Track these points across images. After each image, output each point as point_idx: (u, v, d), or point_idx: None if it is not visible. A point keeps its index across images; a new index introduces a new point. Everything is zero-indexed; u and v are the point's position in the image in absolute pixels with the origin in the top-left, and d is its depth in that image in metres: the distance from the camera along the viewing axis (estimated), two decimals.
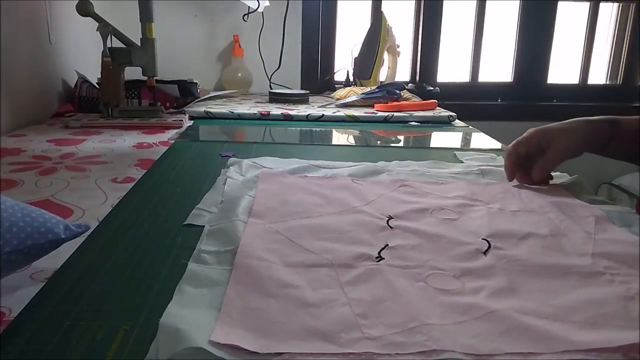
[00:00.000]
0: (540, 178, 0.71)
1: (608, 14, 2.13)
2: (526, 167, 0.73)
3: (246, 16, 1.73)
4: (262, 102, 1.52)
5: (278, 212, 0.60)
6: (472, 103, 2.03)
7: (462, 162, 0.87)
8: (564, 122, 0.72)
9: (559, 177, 0.78)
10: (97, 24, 1.16)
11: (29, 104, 1.17)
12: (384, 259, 0.49)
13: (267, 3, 1.71)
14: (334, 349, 0.35)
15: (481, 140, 1.15)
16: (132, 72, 1.26)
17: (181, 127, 1.16)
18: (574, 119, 0.72)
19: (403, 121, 1.32)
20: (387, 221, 0.58)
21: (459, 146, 1.10)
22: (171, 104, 1.35)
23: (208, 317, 0.38)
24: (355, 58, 1.76)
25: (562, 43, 2.07)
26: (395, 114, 1.33)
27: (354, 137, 1.17)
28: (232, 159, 0.83)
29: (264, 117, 1.30)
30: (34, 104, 1.20)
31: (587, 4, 2.07)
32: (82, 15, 1.15)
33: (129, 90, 1.28)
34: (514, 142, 0.74)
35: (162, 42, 1.25)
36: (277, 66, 1.79)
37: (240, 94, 1.68)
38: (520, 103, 2.06)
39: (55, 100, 1.31)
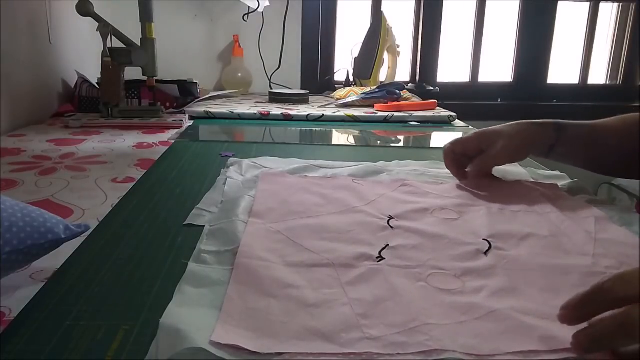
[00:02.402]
0: (475, 172, 0.71)
1: (608, 14, 2.13)
2: (465, 167, 0.74)
3: (246, 16, 1.73)
4: (262, 102, 1.52)
5: (279, 212, 0.60)
6: (472, 103, 2.03)
7: None
8: (507, 124, 0.71)
9: (559, 178, 0.78)
10: (97, 24, 1.16)
11: (29, 104, 1.17)
12: (384, 258, 0.49)
13: (267, 3, 1.71)
14: (334, 349, 0.35)
15: None
16: (132, 72, 1.26)
17: (181, 127, 1.16)
18: (519, 122, 0.71)
19: (403, 121, 1.32)
20: (388, 221, 0.58)
21: None
22: (171, 104, 1.35)
23: (208, 317, 0.38)
24: (355, 58, 1.76)
25: (562, 43, 2.07)
26: (395, 114, 1.33)
27: (354, 137, 1.17)
28: (232, 159, 0.83)
29: (264, 117, 1.30)
30: (34, 104, 1.20)
31: (587, 4, 2.07)
32: (82, 15, 1.15)
33: (129, 90, 1.28)
34: (452, 140, 0.74)
35: (162, 42, 1.25)
36: (277, 66, 1.79)
37: (240, 94, 1.68)
38: (520, 103, 2.06)
39: (55, 100, 1.31)
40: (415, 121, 1.32)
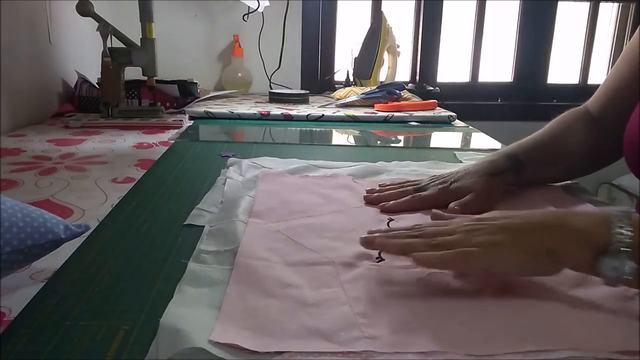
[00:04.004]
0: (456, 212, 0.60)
1: (608, 14, 2.13)
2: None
3: (246, 16, 1.73)
4: (262, 102, 1.52)
5: (278, 211, 0.60)
6: (472, 103, 2.02)
7: (462, 162, 0.87)
8: (468, 174, 0.65)
9: None
10: (97, 24, 1.16)
11: (29, 104, 1.17)
12: (384, 259, 0.49)
13: (267, 3, 1.71)
14: (333, 348, 0.35)
15: (481, 140, 1.15)
16: (132, 72, 1.26)
17: (181, 127, 1.16)
18: (480, 174, 0.64)
19: (403, 121, 1.32)
20: (388, 222, 0.58)
21: (458, 146, 1.10)
22: (171, 104, 1.35)
23: (208, 316, 0.38)
24: (355, 58, 1.76)
25: (562, 43, 2.07)
26: (395, 114, 1.33)
27: (354, 137, 1.17)
28: (231, 159, 0.83)
29: (264, 117, 1.30)
30: (34, 104, 1.20)
31: (587, 4, 2.07)
32: (82, 15, 1.15)
33: (129, 90, 1.28)
34: (416, 197, 0.64)
35: (162, 42, 1.25)
36: (277, 66, 1.79)
37: (240, 94, 1.68)
38: (520, 103, 2.06)
39: (55, 100, 1.31)
40: (415, 121, 1.32)
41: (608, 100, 0.71)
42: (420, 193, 0.65)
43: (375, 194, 0.66)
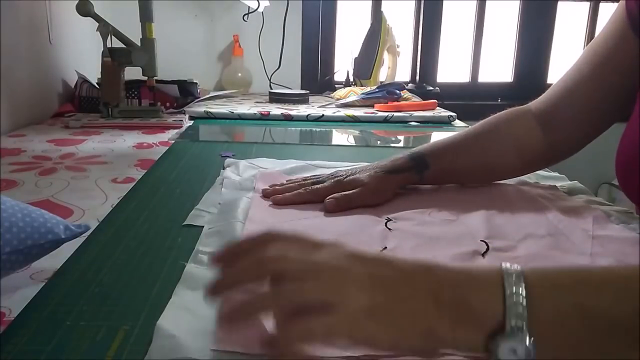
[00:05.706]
0: (334, 208, 0.61)
1: (608, 14, 2.13)
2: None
3: (246, 16, 1.73)
4: (262, 102, 1.52)
5: (276, 213, 0.60)
6: (472, 103, 2.02)
7: None
8: (368, 170, 0.65)
9: (557, 179, 0.78)
10: (97, 24, 1.16)
11: (29, 104, 1.17)
12: None
13: (267, 3, 1.71)
14: (334, 352, 0.35)
15: None
16: (132, 72, 1.26)
17: (181, 127, 1.16)
18: (377, 173, 0.65)
19: (403, 121, 1.32)
20: (386, 223, 0.58)
21: None
22: (171, 104, 1.35)
23: (205, 321, 0.38)
24: (355, 58, 1.76)
25: (562, 43, 2.07)
26: (395, 114, 1.33)
27: (354, 137, 1.17)
28: (229, 160, 0.83)
29: (264, 117, 1.30)
30: (34, 104, 1.20)
31: (587, 4, 2.07)
32: (82, 15, 1.16)
33: (129, 90, 1.28)
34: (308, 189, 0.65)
35: (162, 42, 1.25)
36: (277, 66, 1.79)
37: (240, 94, 1.68)
38: (520, 103, 2.05)
39: (55, 100, 1.31)
40: (415, 121, 1.32)
41: (561, 99, 0.70)
42: (315, 186, 0.65)
43: (273, 188, 0.66)
